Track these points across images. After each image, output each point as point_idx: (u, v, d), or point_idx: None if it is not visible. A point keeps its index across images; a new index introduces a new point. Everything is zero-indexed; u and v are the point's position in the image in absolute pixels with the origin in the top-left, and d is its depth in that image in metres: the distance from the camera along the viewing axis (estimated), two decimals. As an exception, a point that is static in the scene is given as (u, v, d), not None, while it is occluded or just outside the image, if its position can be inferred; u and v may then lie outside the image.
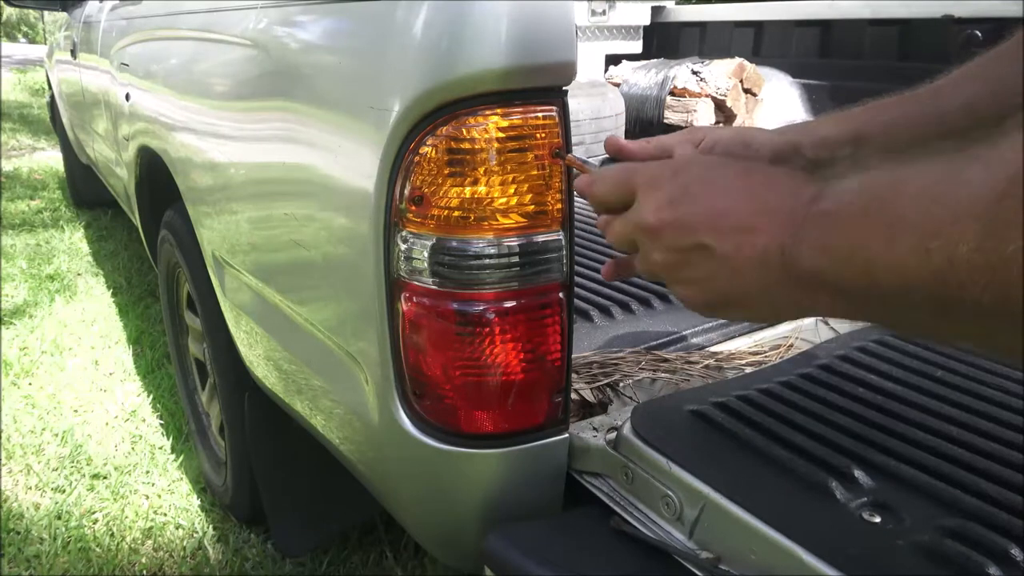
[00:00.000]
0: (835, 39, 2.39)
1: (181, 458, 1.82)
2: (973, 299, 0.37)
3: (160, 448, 1.88)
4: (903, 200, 0.41)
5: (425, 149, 0.68)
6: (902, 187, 0.42)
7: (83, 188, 3.97)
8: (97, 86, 2.30)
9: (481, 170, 0.68)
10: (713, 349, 1.03)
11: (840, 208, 0.46)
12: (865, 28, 2.28)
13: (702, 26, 2.87)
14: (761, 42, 2.65)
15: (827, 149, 0.71)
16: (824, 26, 2.41)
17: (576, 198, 0.74)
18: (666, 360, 0.97)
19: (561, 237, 0.73)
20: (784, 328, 1.10)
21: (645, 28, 2.97)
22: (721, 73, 2.40)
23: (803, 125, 0.76)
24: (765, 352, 1.03)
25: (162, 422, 1.99)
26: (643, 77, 2.62)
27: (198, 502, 1.68)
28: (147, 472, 1.79)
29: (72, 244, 3.59)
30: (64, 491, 1.72)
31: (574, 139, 0.72)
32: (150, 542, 1.57)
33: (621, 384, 0.91)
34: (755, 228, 0.50)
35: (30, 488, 1.74)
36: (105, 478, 1.76)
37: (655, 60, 2.74)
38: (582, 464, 0.80)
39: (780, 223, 0.49)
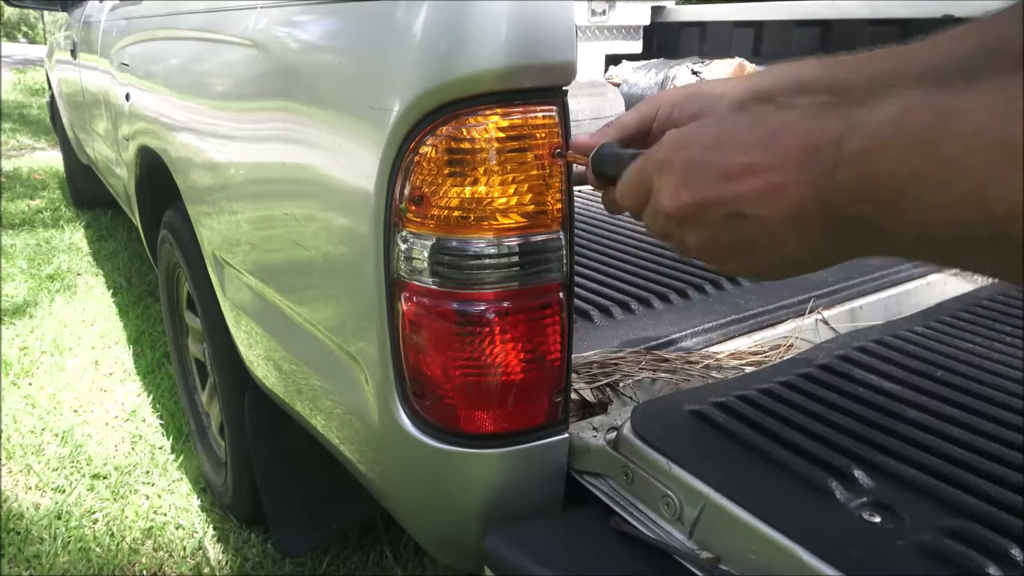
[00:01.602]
0: (835, 39, 2.39)
1: (181, 458, 1.82)
2: None
3: (160, 448, 1.88)
4: (954, 137, 0.36)
5: (425, 149, 0.68)
6: (950, 121, 0.37)
7: (83, 188, 3.97)
8: (97, 86, 2.30)
9: (481, 170, 0.68)
10: (713, 349, 1.03)
11: (877, 146, 0.40)
12: (865, 28, 2.28)
13: (702, 26, 2.87)
14: (761, 42, 2.65)
15: (803, 95, 0.62)
16: (824, 26, 2.42)
17: (576, 197, 0.74)
18: (666, 360, 0.97)
19: (561, 237, 0.73)
20: (784, 328, 1.10)
21: (645, 28, 2.98)
22: (721, 73, 2.40)
23: (774, 70, 0.70)
24: (765, 352, 1.03)
25: (162, 422, 1.99)
26: (643, 77, 2.62)
27: (198, 502, 1.68)
28: (147, 472, 1.79)
29: (72, 244, 3.59)
30: (64, 491, 1.72)
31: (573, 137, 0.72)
32: (150, 542, 1.57)
33: (621, 384, 0.91)
34: (783, 182, 0.45)
35: (30, 488, 1.74)
36: (105, 478, 1.76)
37: (655, 60, 2.74)
38: (582, 464, 0.80)
39: (810, 171, 0.44)
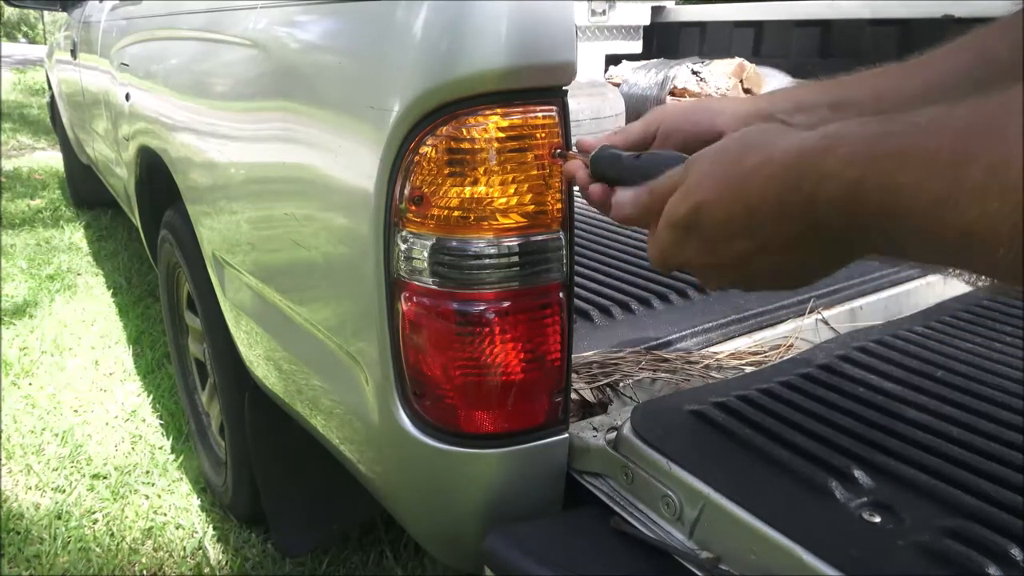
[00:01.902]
0: (835, 39, 2.39)
1: (181, 458, 1.82)
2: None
3: (160, 448, 1.88)
4: (939, 137, 0.39)
5: (425, 149, 0.68)
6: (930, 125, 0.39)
7: (83, 188, 3.97)
8: (97, 86, 2.30)
9: (481, 170, 0.68)
10: (713, 349, 1.03)
11: (848, 192, 0.43)
12: (865, 28, 2.28)
13: (702, 26, 2.87)
14: (761, 42, 2.65)
15: (804, 113, 0.68)
16: (824, 26, 2.42)
17: (576, 197, 0.75)
18: (666, 360, 0.97)
19: (561, 237, 0.73)
20: (784, 328, 1.10)
21: (645, 28, 2.97)
22: (721, 73, 2.40)
23: (774, 92, 0.74)
24: (765, 352, 1.03)
25: (162, 422, 1.99)
26: (643, 77, 2.62)
27: (198, 502, 1.68)
28: (147, 472, 1.79)
29: (72, 244, 3.59)
30: (64, 491, 1.72)
31: (574, 139, 0.72)
32: (150, 542, 1.57)
33: (621, 384, 0.91)
34: (773, 234, 0.49)
35: (30, 488, 1.74)
36: (105, 478, 1.76)
37: (655, 60, 2.74)
38: (582, 464, 0.80)
39: (790, 217, 0.47)
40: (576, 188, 0.71)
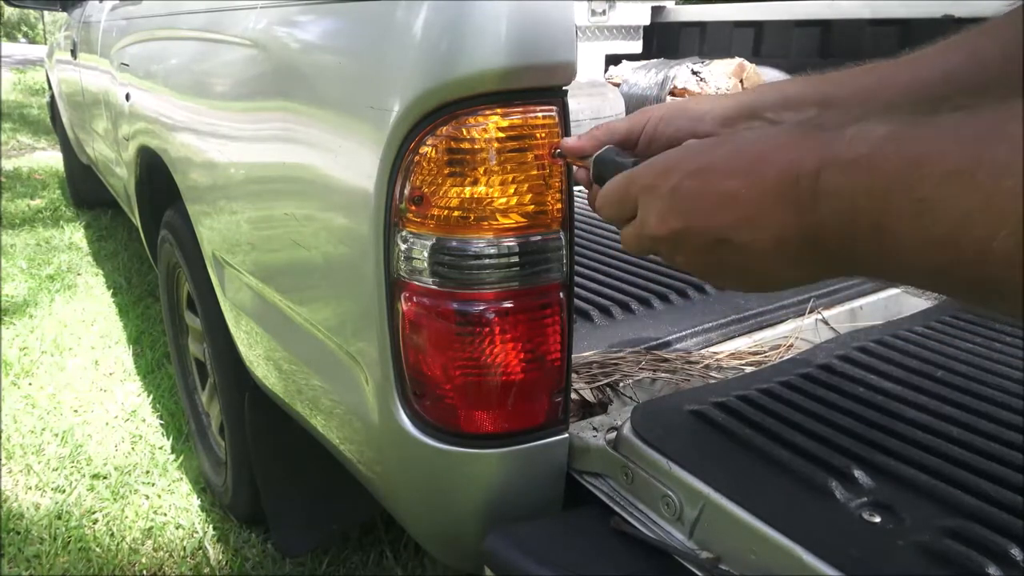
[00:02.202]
0: (835, 39, 2.39)
1: (181, 458, 1.82)
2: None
3: (160, 448, 1.88)
4: (925, 181, 0.36)
5: (425, 149, 0.68)
6: (922, 164, 0.37)
7: (83, 188, 3.97)
8: (97, 86, 2.30)
9: (481, 170, 0.68)
10: (713, 349, 1.03)
11: (852, 184, 0.41)
12: (865, 28, 2.28)
13: (702, 26, 2.87)
14: (761, 42, 2.65)
15: (792, 110, 0.66)
16: (824, 26, 2.41)
17: (576, 197, 0.75)
18: (666, 360, 0.97)
19: (561, 237, 0.73)
20: (784, 328, 1.10)
21: (645, 28, 2.97)
22: (721, 73, 2.40)
23: (761, 88, 0.72)
24: (765, 352, 1.03)
25: (162, 422, 1.99)
26: (643, 77, 2.62)
27: (198, 502, 1.68)
28: (147, 472, 1.79)
29: (72, 244, 3.59)
30: (64, 491, 1.72)
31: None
32: (150, 542, 1.57)
33: (621, 384, 0.91)
34: (765, 212, 0.46)
35: (30, 488, 1.74)
36: (105, 478, 1.76)
37: (655, 60, 2.74)
38: (582, 464, 0.80)
39: (790, 203, 0.45)
40: (578, 188, 0.71)
